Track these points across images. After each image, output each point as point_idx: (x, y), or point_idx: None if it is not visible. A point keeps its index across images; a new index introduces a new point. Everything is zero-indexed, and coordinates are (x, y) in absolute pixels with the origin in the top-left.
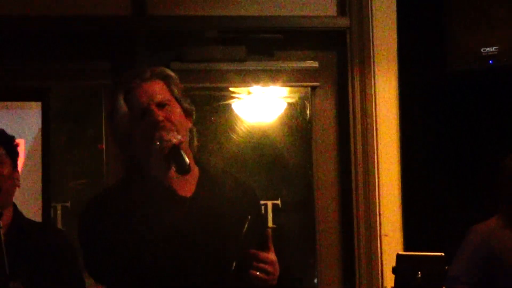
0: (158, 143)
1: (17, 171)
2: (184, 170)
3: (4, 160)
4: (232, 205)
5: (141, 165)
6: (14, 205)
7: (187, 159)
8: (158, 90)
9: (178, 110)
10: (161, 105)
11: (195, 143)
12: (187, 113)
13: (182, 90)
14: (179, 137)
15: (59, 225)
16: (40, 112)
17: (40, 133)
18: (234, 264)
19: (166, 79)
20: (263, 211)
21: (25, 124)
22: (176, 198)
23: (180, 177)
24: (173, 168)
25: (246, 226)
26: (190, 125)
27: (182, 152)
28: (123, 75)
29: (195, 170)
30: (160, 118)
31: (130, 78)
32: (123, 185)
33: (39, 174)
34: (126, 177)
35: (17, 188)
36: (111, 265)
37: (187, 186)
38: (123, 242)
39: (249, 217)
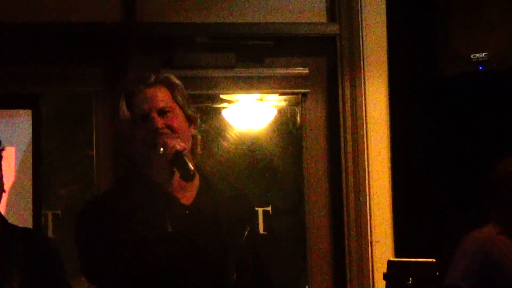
0: (162, 149)
1: (1, 176)
2: (189, 176)
3: None
4: (231, 215)
5: (140, 169)
6: None
7: (191, 166)
8: (160, 97)
9: (180, 117)
10: (163, 112)
11: (198, 150)
12: (190, 121)
13: (187, 97)
14: (183, 144)
15: (50, 233)
16: (30, 119)
17: (31, 141)
18: (235, 275)
19: (170, 86)
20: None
21: (15, 131)
22: (177, 205)
23: (181, 184)
24: (177, 175)
25: (245, 236)
26: (193, 132)
27: (186, 158)
28: (126, 78)
29: (196, 177)
30: (160, 125)
31: (134, 82)
32: (120, 188)
33: (30, 181)
34: (123, 180)
35: (5, 194)
36: (108, 268)
37: (187, 193)
38: (120, 245)
39: (249, 228)
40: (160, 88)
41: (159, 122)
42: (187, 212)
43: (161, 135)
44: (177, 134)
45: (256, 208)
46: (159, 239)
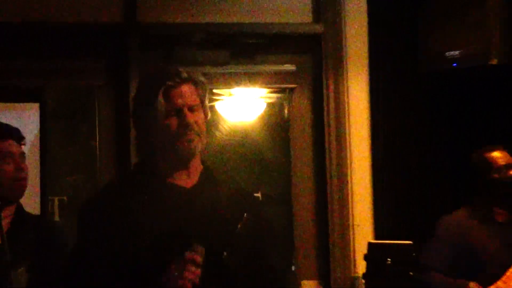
0: (187, 147)
1: (27, 168)
2: None
3: (23, 157)
4: (230, 202)
5: (154, 161)
6: None
7: None
8: (190, 94)
9: (202, 115)
10: (192, 109)
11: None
12: (206, 117)
13: (206, 94)
14: (205, 141)
15: (56, 217)
16: (38, 112)
17: (38, 132)
18: (225, 253)
19: (198, 84)
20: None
21: (24, 123)
22: (179, 189)
23: (186, 172)
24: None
25: (241, 223)
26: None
27: None
28: (159, 71)
29: (200, 167)
30: (191, 121)
31: (169, 75)
32: (129, 182)
33: (38, 170)
34: (132, 174)
35: None
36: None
37: (189, 179)
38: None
39: (245, 215)
40: (190, 85)
41: (191, 118)
42: (188, 194)
43: (191, 130)
44: (201, 131)
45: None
46: (160, 218)
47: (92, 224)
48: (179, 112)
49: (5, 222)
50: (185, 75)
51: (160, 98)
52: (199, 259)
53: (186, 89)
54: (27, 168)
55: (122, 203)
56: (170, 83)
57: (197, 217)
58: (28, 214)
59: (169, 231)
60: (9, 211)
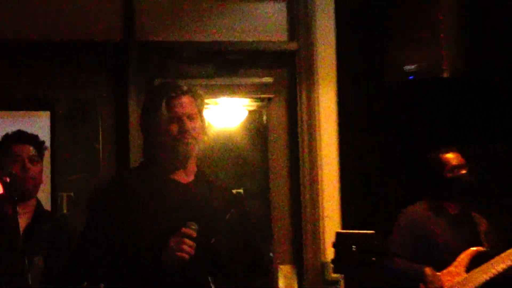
0: (184, 149)
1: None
2: None
3: (37, 160)
4: (219, 197)
5: (156, 158)
6: (37, 196)
7: None
8: (189, 104)
9: (199, 123)
10: (190, 117)
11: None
12: (203, 125)
13: (204, 106)
14: (201, 145)
15: (65, 210)
16: (49, 119)
17: (49, 136)
18: (213, 240)
19: (196, 96)
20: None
21: (37, 128)
22: (177, 183)
23: (185, 171)
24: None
25: (228, 214)
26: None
27: None
28: (165, 83)
29: (195, 168)
30: (189, 128)
31: (171, 88)
32: (134, 176)
33: (49, 169)
34: (137, 169)
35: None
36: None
37: (187, 177)
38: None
39: (233, 210)
40: (189, 96)
41: (189, 125)
42: (184, 188)
43: (188, 135)
44: (197, 136)
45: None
46: (161, 208)
47: (105, 207)
48: (179, 119)
49: (26, 217)
50: (185, 88)
51: (163, 107)
52: (193, 233)
53: (186, 100)
54: (37, 170)
55: (130, 192)
56: (172, 94)
57: (191, 208)
58: (44, 210)
59: (169, 216)
60: (29, 208)
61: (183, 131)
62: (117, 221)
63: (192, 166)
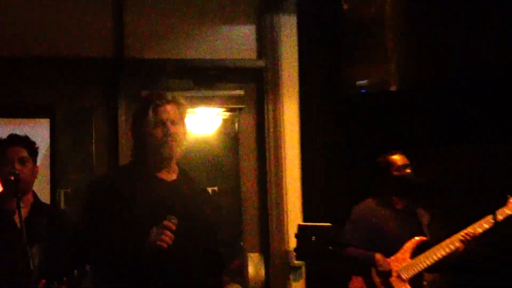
0: (167, 151)
1: (36, 166)
2: None
3: (28, 160)
4: (199, 195)
5: (143, 158)
6: (33, 191)
7: None
8: (172, 111)
9: (181, 128)
10: (173, 123)
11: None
12: (185, 130)
13: (186, 113)
14: (183, 148)
15: (62, 205)
16: (49, 125)
17: (49, 140)
18: (193, 232)
19: (179, 105)
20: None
21: (38, 134)
22: (162, 181)
23: (168, 170)
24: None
25: (209, 210)
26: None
27: None
28: (152, 93)
29: (177, 168)
30: (172, 132)
31: (157, 97)
32: (124, 172)
33: (48, 168)
34: (126, 166)
35: (35, 178)
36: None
37: (170, 175)
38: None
39: (215, 206)
40: (173, 104)
41: (172, 129)
42: (169, 185)
43: (171, 138)
44: (180, 139)
45: (207, 188)
46: (149, 202)
47: (98, 201)
48: (163, 124)
49: (25, 210)
50: (169, 97)
51: (150, 113)
52: (173, 226)
53: (170, 107)
54: (27, 169)
55: (120, 188)
56: (158, 102)
57: (174, 203)
58: (43, 203)
59: (154, 209)
60: (26, 202)
61: (167, 135)
62: (108, 213)
63: (174, 166)
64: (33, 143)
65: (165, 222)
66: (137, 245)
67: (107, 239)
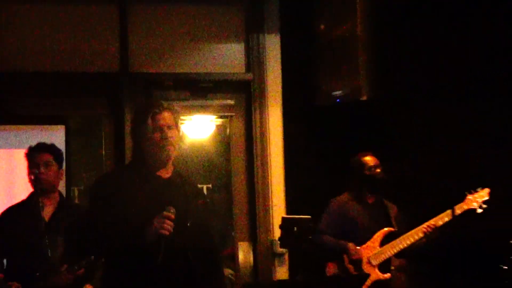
0: (165, 153)
1: (62, 169)
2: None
3: (52, 164)
4: (191, 189)
5: (143, 159)
6: (59, 191)
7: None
8: (168, 118)
9: (176, 132)
10: (170, 128)
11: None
12: (179, 134)
13: (180, 118)
14: (178, 150)
15: (76, 200)
16: (64, 132)
17: (64, 145)
18: (189, 222)
19: (174, 112)
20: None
21: (55, 139)
22: (160, 178)
23: (165, 169)
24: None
25: (201, 204)
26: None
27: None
28: (149, 103)
29: (173, 167)
30: (169, 136)
31: (155, 105)
32: (127, 169)
33: (64, 169)
34: (129, 165)
35: (60, 180)
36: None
37: (167, 174)
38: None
39: (207, 200)
40: (169, 112)
41: (169, 134)
42: (166, 181)
43: (168, 142)
44: (175, 143)
45: (201, 185)
46: (146, 198)
47: (102, 195)
48: (161, 129)
49: (52, 207)
50: (165, 105)
51: (149, 120)
52: (172, 216)
53: (166, 114)
54: (52, 171)
55: (123, 183)
56: (156, 110)
57: (171, 196)
58: (68, 201)
59: (153, 202)
60: (53, 199)
61: (164, 138)
62: (112, 205)
63: (170, 166)
64: (58, 150)
65: (165, 213)
66: (139, 234)
67: (112, 230)
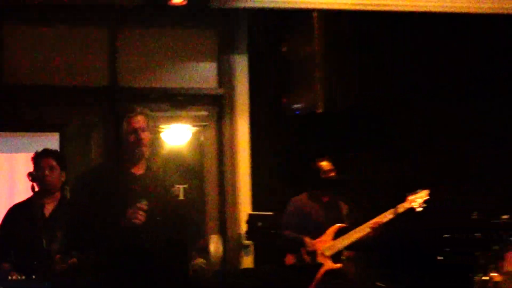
0: (138, 152)
1: (64, 172)
2: None
3: (55, 168)
4: (161, 184)
5: (121, 158)
6: (61, 190)
7: None
8: (142, 121)
9: (148, 134)
10: (143, 130)
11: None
12: (151, 136)
13: (152, 122)
14: (150, 149)
15: (68, 197)
16: (59, 138)
17: (59, 149)
18: (159, 214)
19: (146, 115)
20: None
21: (49, 145)
22: (133, 175)
23: (138, 167)
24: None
25: (175, 189)
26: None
27: None
28: (125, 107)
29: (145, 165)
30: (142, 137)
31: (130, 110)
32: (106, 167)
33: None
34: (105, 164)
35: (63, 181)
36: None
37: (140, 170)
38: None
39: (185, 186)
40: (142, 116)
41: (142, 135)
42: (140, 177)
43: (142, 142)
44: (148, 143)
45: (178, 186)
46: (125, 191)
47: (85, 189)
48: (135, 131)
49: (53, 205)
50: (139, 110)
51: (125, 123)
52: (144, 207)
53: (139, 118)
54: (52, 174)
55: (103, 178)
56: (130, 114)
57: (143, 190)
58: (66, 199)
59: (128, 195)
60: (54, 198)
61: (138, 139)
62: (93, 198)
63: (143, 164)
64: (61, 155)
65: (138, 204)
66: (115, 223)
67: (92, 218)
